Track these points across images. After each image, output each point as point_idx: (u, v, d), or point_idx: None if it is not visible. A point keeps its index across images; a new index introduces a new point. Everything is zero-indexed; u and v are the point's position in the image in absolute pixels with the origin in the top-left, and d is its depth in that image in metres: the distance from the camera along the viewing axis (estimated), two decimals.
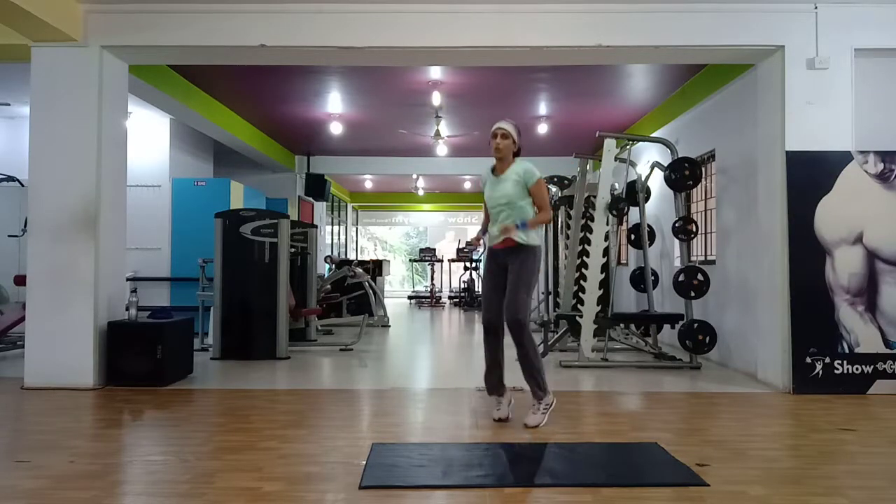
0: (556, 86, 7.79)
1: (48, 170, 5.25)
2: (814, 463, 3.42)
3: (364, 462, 3.28)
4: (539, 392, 4.08)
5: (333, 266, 10.86)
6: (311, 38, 5.29)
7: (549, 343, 7.11)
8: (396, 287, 21.86)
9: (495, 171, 4.17)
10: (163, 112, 7.93)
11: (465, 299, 15.22)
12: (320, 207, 13.78)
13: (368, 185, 16.82)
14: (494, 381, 4.19)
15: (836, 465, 3.42)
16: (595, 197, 6.60)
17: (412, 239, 24.86)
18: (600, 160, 6.66)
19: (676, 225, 6.57)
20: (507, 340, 4.06)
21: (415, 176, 14.54)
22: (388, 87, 7.91)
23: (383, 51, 5.36)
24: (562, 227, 8.89)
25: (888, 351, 5.08)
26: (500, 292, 4.06)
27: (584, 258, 7.15)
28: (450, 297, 16.92)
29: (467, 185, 16.27)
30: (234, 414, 4.44)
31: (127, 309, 5.54)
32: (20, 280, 6.51)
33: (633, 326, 7.80)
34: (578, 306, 7.17)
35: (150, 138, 8.57)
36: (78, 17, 5.20)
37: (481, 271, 17.20)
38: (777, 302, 5.25)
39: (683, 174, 6.53)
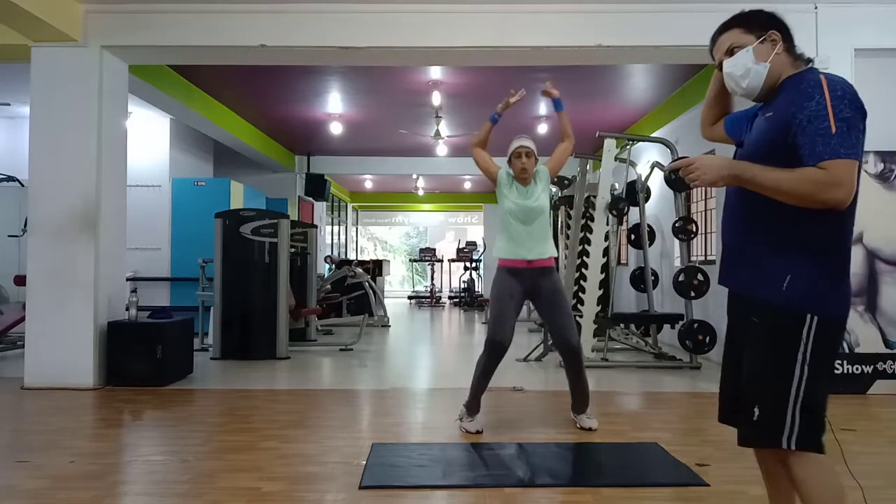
0: (557, 86, 7.76)
1: (48, 170, 5.25)
2: None
3: (364, 462, 3.28)
4: (585, 406, 4.01)
5: (333, 266, 10.86)
6: (311, 38, 5.29)
7: (550, 343, 7.10)
8: (396, 287, 21.86)
9: (516, 178, 4.07)
10: (163, 112, 7.93)
11: (465, 299, 15.23)
12: (320, 207, 13.78)
13: (368, 185, 16.81)
14: (479, 402, 3.97)
15: (836, 465, 3.40)
16: (595, 197, 6.60)
17: (412, 239, 24.87)
18: (600, 160, 6.65)
19: (676, 225, 6.57)
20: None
21: (415, 176, 14.55)
22: (388, 87, 7.91)
23: (383, 51, 5.36)
24: (562, 227, 8.90)
25: (888, 351, 5.08)
26: (516, 313, 3.89)
27: (584, 258, 7.15)
28: (450, 297, 16.92)
29: (467, 185, 16.25)
30: (234, 414, 4.44)
31: (127, 309, 5.54)
32: (20, 280, 6.51)
33: (633, 326, 7.80)
34: (578, 306, 7.16)
35: (150, 138, 8.56)
36: (78, 17, 5.20)
37: (481, 271, 17.14)
38: None
39: None
